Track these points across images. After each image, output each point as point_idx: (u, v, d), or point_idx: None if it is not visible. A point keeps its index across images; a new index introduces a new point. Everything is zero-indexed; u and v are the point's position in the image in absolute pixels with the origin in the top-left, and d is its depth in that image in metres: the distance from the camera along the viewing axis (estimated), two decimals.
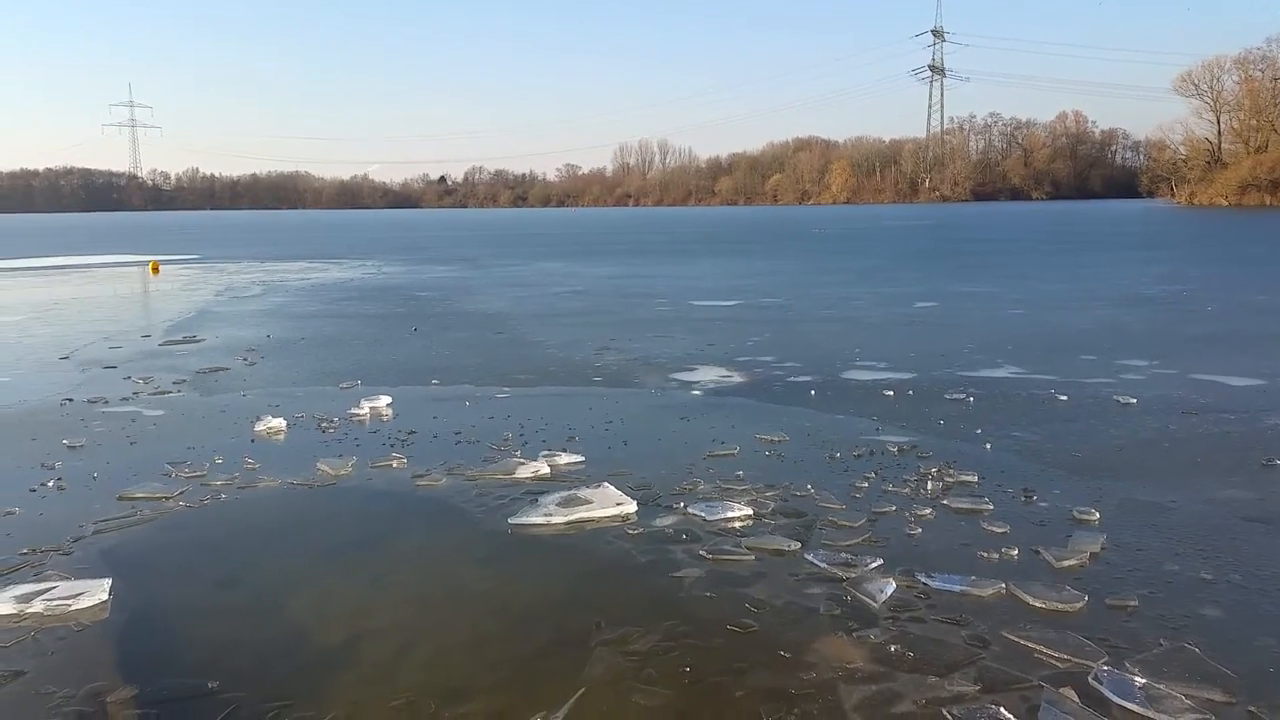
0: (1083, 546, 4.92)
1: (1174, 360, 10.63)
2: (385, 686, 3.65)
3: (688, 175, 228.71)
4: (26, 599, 4.42)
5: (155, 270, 29.07)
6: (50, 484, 6.37)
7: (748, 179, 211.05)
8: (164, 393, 9.63)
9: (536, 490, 6.07)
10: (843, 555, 4.85)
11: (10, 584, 4.65)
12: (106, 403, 9.11)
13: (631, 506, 5.66)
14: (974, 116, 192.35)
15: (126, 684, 3.68)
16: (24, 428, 8.11)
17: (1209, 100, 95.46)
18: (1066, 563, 4.73)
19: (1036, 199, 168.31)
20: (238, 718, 3.43)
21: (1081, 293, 18.71)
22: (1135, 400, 8.51)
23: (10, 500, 5.99)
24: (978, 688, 3.54)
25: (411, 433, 7.71)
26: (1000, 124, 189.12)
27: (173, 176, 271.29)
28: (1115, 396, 8.68)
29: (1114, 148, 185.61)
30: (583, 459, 6.79)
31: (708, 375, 10.23)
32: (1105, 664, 3.67)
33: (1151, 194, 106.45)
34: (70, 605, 4.38)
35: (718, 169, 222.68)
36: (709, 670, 3.72)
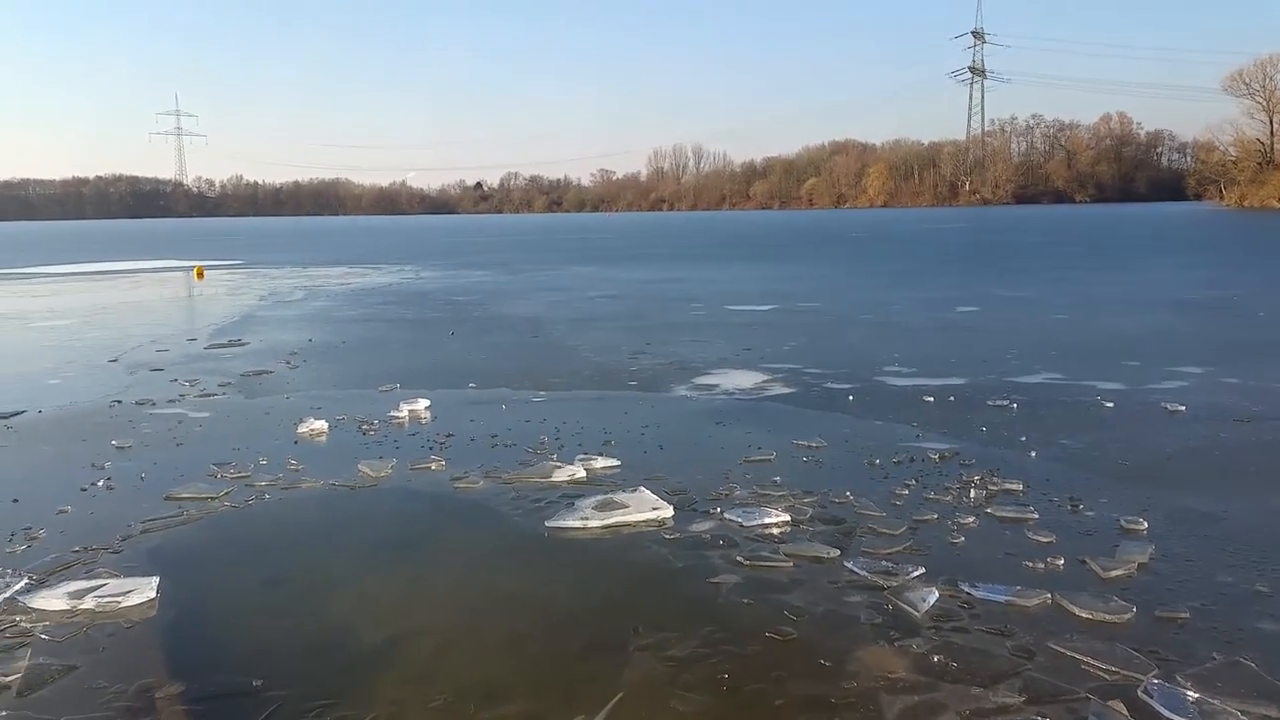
0: (1131, 557, 4.84)
1: (1224, 367, 10.43)
2: (425, 686, 3.67)
3: (722, 179, 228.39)
4: (79, 595, 4.51)
5: (200, 275, 29.52)
6: (100, 484, 6.49)
7: (783, 183, 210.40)
8: (209, 395, 9.77)
9: (573, 494, 6.08)
10: (883, 563, 4.81)
11: (63, 580, 4.74)
12: (154, 405, 9.26)
13: (668, 511, 5.65)
14: (1015, 118, 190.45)
15: (174, 680, 3.74)
16: (74, 429, 8.27)
17: (1261, 100, 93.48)
18: (1114, 573, 4.66)
19: (1080, 202, 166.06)
20: (281, 715, 3.47)
21: (1127, 298, 18.43)
22: (1184, 407, 8.36)
23: (62, 499, 6.11)
24: (1023, 699, 3.49)
25: (449, 435, 7.76)
26: (1042, 126, 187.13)
27: (217, 184, 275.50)
28: (1163, 404, 8.54)
29: (1160, 149, 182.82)
30: (618, 463, 6.79)
31: (744, 380, 10.20)
32: (1155, 677, 3.60)
33: (1199, 196, 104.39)
34: (120, 602, 4.46)
35: (752, 173, 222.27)
36: (748, 677, 3.70)
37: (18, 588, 4.63)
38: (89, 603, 4.45)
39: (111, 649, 4.05)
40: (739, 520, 5.49)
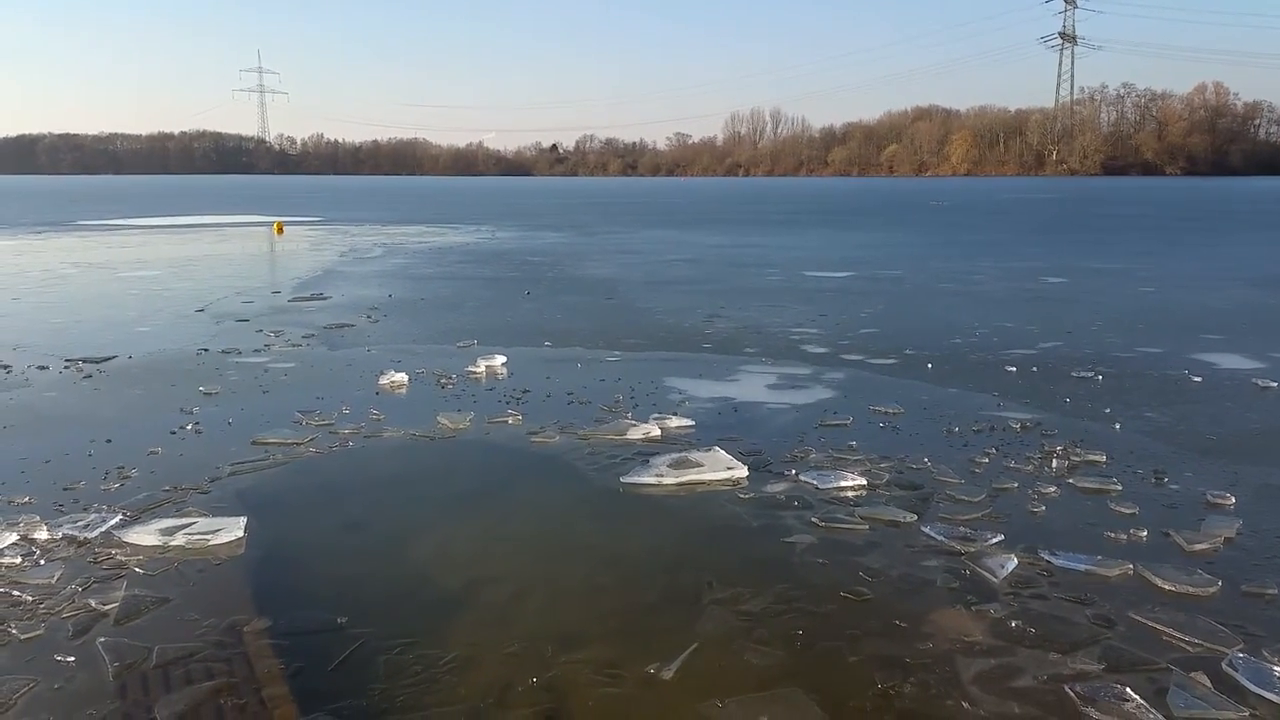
0: (1216, 531, 4.72)
1: None
2: (502, 630, 3.75)
3: (800, 145, 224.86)
4: (170, 532, 4.69)
5: (280, 231, 30.13)
6: (189, 427, 6.71)
7: (862, 149, 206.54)
8: (293, 346, 10.02)
9: (647, 451, 6.11)
10: (961, 529, 4.75)
11: (155, 518, 4.93)
12: (239, 354, 9.53)
13: (742, 471, 5.65)
14: (1106, 87, 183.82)
15: (261, 615, 3.87)
16: (164, 375, 8.55)
17: None
18: (1198, 546, 4.54)
19: (1170, 174, 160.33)
20: (364, 652, 3.57)
21: (1218, 272, 17.79)
22: (1275, 384, 8.07)
23: (153, 441, 6.34)
24: (1102, 666, 3.43)
25: (526, 391, 7.85)
26: (1133, 95, 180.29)
27: (299, 141, 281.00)
28: (1253, 379, 8.25)
29: (1257, 121, 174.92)
30: (693, 423, 6.80)
31: (820, 345, 10.10)
32: (1240, 651, 3.51)
33: None
34: (209, 540, 4.63)
35: (831, 139, 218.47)
36: (822, 634, 3.70)
37: (113, 523, 4.83)
38: (180, 540, 4.63)
39: (202, 584, 4.21)
40: (814, 482, 5.46)
